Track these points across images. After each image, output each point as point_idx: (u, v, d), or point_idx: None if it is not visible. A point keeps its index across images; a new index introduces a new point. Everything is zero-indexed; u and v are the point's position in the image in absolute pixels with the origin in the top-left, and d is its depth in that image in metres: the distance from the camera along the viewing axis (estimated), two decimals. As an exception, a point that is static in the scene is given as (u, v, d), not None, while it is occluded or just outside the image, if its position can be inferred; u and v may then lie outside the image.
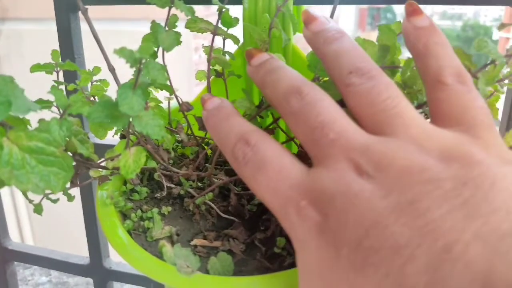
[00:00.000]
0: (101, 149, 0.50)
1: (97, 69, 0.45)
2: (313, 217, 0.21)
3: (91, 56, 0.57)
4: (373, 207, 0.19)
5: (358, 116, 0.24)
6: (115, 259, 0.68)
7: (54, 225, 1.12)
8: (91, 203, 0.62)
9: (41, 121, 0.31)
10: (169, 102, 0.47)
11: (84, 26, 0.55)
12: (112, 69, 0.36)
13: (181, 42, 0.40)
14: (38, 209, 0.38)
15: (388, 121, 0.22)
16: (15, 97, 0.26)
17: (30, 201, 0.39)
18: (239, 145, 0.25)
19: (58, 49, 0.50)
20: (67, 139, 0.33)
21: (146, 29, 0.38)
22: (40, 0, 1.31)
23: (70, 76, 0.53)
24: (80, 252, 0.71)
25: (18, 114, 0.26)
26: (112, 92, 0.36)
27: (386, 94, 0.23)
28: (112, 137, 0.46)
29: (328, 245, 0.19)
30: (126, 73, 0.35)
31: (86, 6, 0.35)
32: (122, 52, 0.31)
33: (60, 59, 0.40)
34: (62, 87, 0.43)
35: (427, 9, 0.44)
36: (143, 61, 0.30)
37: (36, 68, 0.39)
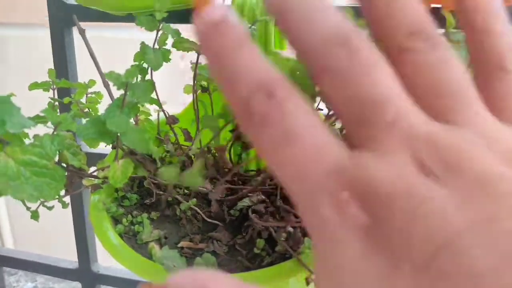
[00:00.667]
0: (95, 158, 0.53)
1: (92, 82, 0.47)
2: (358, 217, 0.16)
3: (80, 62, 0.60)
4: (447, 221, 0.15)
5: (415, 94, 0.18)
6: (103, 264, 0.71)
7: (35, 229, 1.14)
8: (80, 209, 0.65)
9: (36, 136, 0.34)
10: (158, 115, 0.50)
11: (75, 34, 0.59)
12: (107, 85, 0.40)
13: (170, 59, 0.43)
14: (34, 215, 0.41)
15: (459, 108, 0.18)
16: (10, 115, 0.30)
17: (28, 208, 0.41)
18: (259, 96, 0.17)
19: (42, 56, 0.53)
20: (60, 151, 0.36)
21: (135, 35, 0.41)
22: (25, 6, 1.32)
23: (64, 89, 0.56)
24: (61, 255, 0.73)
25: (13, 131, 0.30)
26: (107, 103, 0.39)
27: (459, 71, 0.18)
28: (105, 146, 0.49)
29: (380, 255, 0.16)
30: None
31: (82, 26, 0.39)
32: (110, 75, 0.34)
33: (55, 77, 0.43)
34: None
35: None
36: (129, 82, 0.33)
37: (33, 86, 0.42)
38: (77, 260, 0.69)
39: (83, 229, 0.66)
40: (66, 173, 0.37)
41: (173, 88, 0.47)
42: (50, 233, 1.17)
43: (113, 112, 0.34)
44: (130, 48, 0.42)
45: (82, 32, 0.38)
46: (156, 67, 0.37)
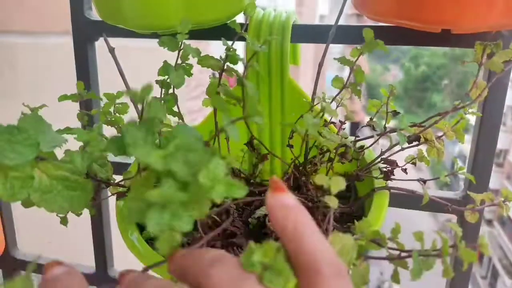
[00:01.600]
0: (121, 166, 0.55)
1: (120, 93, 0.50)
2: None
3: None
4: None
5: None
6: (119, 269, 0.73)
7: (40, 233, 1.17)
8: (99, 216, 0.67)
9: (67, 151, 0.37)
10: (165, 114, 0.52)
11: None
12: (133, 101, 0.42)
13: (192, 74, 0.46)
14: (63, 221, 0.44)
15: None
16: (43, 133, 0.32)
17: (57, 214, 0.44)
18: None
19: (48, 63, 0.56)
20: (89, 165, 0.39)
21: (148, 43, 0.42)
22: (34, 15, 1.36)
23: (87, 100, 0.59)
24: (69, 259, 0.75)
25: (46, 151, 0.32)
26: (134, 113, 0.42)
27: None
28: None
29: None
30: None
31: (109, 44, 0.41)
32: (128, 92, 0.36)
33: (84, 89, 0.45)
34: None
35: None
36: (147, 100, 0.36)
37: (63, 98, 0.44)
38: (93, 265, 0.71)
39: (101, 234, 0.68)
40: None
41: (179, 94, 0.49)
42: (60, 238, 1.20)
43: (131, 128, 0.35)
44: (143, 56, 0.45)
45: (111, 50, 0.41)
46: (178, 85, 0.40)
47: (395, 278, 0.33)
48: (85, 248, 0.79)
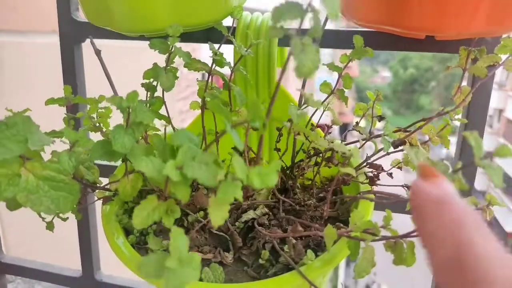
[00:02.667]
0: (106, 169, 0.55)
1: (102, 98, 0.50)
2: None
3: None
4: None
5: None
6: (105, 272, 0.72)
7: (26, 235, 1.16)
8: (85, 219, 0.66)
9: (54, 152, 0.36)
10: (165, 129, 0.52)
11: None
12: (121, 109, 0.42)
13: (178, 77, 0.46)
14: (49, 226, 0.43)
15: None
16: (31, 133, 0.32)
17: (43, 219, 0.43)
18: None
19: (36, 62, 0.56)
20: (76, 167, 0.38)
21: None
22: (21, 14, 1.35)
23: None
24: (55, 262, 0.74)
25: (34, 149, 0.32)
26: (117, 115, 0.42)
27: None
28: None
29: None
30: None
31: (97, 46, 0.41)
32: (113, 100, 0.36)
33: (71, 93, 0.45)
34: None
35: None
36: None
37: (50, 102, 0.44)
38: (80, 268, 0.71)
39: (87, 238, 0.68)
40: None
41: (166, 97, 0.49)
42: (46, 240, 1.19)
43: (119, 133, 0.35)
44: (122, 54, 0.44)
45: (98, 53, 0.41)
46: (168, 88, 0.39)
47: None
48: (72, 252, 0.78)
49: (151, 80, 0.45)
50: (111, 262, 0.80)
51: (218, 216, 0.30)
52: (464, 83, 0.46)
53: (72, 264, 0.74)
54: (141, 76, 0.43)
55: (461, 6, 0.33)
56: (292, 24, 0.27)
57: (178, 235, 0.27)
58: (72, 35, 0.57)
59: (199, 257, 0.26)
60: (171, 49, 0.41)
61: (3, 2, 1.31)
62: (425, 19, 0.34)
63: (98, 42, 0.45)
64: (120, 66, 0.46)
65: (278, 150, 0.50)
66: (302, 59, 0.25)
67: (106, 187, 0.44)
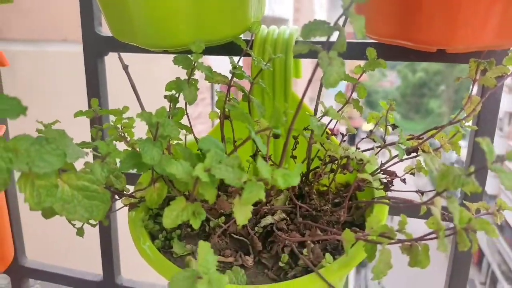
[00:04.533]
0: (130, 176, 0.57)
1: (126, 108, 0.52)
2: None
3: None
4: None
5: None
6: (125, 276, 0.75)
7: (48, 240, 1.18)
8: (107, 225, 0.69)
9: (86, 163, 0.39)
10: (185, 138, 0.55)
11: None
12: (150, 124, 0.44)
13: (198, 89, 0.48)
14: (80, 232, 0.45)
15: None
16: (67, 146, 0.34)
17: (73, 225, 0.46)
18: None
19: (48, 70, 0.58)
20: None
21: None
22: (33, 23, 1.39)
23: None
24: (76, 267, 0.77)
25: (70, 162, 0.34)
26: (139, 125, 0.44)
27: None
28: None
29: None
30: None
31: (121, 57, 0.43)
32: (142, 115, 0.39)
33: (98, 106, 0.47)
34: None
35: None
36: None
37: (79, 114, 0.46)
38: (101, 273, 0.73)
39: (109, 243, 0.70)
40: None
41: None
42: (64, 245, 1.21)
43: (148, 146, 0.38)
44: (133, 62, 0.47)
45: (125, 68, 0.43)
46: (192, 101, 0.42)
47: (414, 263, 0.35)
48: (93, 256, 0.81)
49: (173, 92, 0.48)
50: (132, 267, 0.82)
51: (242, 215, 0.32)
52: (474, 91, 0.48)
53: (92, 269, 0.77)
54: (152, 83, 0.45)
55: (471, 21, 0.35)
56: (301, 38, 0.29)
57: (207, 253, 0.29)
58: (95, 49, 0.60)
59: (226, 279, 0.28)
60: (194, 64, 0.43)
61: (14, 12, 1.35)
62: (436, 34, 0.36)
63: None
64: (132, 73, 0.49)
65: (294, 157, 0.52)
66: (329, 71, 0.28)
67: (132, 194, 0.46)
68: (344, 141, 0.52)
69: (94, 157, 0.49)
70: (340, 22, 0.29)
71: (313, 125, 0.37)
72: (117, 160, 0.42)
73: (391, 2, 0.37)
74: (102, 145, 0.38)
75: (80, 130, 0.53)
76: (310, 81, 0.30)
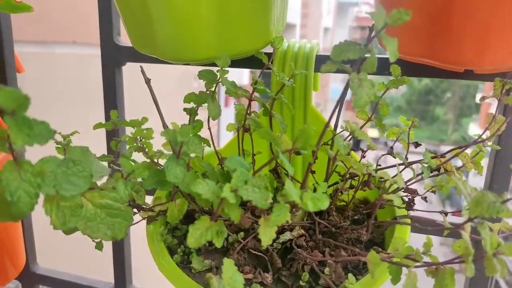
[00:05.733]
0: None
1: (144, 119, 0.52)
2: None
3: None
4: None
5: None
6: (137, 285, 0.74)
7: (59, 247, 1.18)
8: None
9: (109, 180, 0.38)
10: (202, 150, 0.54)
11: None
12: (164, 123, 0.44)
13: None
14: (99, 246, 0.45)
15: None
16: (91, 164, 0.34)
17: (93, 240, 0.46)
18: None
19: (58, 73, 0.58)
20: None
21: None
22: (42, 25, 1.39)
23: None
24: (88, 275, 0.77)
25: (94, 180, 0.34)
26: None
27: None
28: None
29: None
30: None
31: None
32: (167, 133, 0.38)
33: (117, 117, 0.47)
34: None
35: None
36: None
37: (98, 126, 0.46)
38: (112, 281, 0.73)
39: (121, 252, 0.70)
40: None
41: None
42: (76, 252, 1.21)
43: (171, 164, 0.37)
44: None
45: (147, 81, 0.43)
46: (216, 116, 0.41)
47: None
48: (104, 264, 0.80)
49: (192, 104, 0.47)
50: (143, 276, 0.82)
51: (267, 236, 0.32)
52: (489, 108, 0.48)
53: (103, 277, 0.77)
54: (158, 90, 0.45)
55: (500, 43, 0.34)
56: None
57: (234, 272, 0.29)
58: (114, 59, 0.60)
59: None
60: (219, 79, 0.43)
61: (24, 15, 1.37)
62: (466, 55, 0.35)
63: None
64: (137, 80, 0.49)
65: (313, 172, 0.52)
66: (359, 93, 0.27)
67: (152, 208, 0.46)
68: (364, 157, 0.51)
69: (113, 169, 0.48)
70: (371, 43, 0.28)
71: (338, 145, 0.36)
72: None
73: (419, 22, 0.37)
74: (126, 163, 0.38)
75: (88, 129, 0.52)
76: (341, 104, 0.29)
